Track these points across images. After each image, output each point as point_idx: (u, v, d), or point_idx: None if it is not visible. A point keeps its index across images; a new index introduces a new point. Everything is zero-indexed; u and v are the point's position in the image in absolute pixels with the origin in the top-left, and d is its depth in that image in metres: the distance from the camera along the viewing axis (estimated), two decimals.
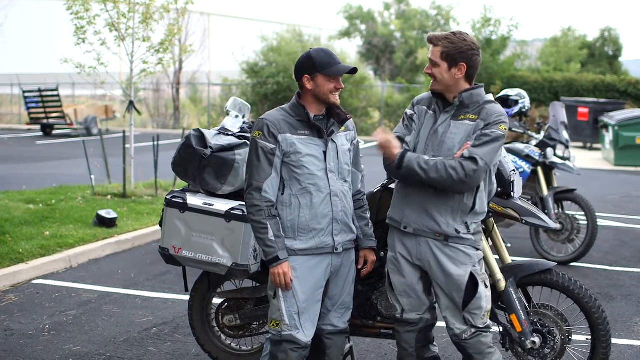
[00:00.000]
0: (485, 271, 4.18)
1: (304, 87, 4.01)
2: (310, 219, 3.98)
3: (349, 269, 4.18)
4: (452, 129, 3.96)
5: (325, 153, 4.02)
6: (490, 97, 4.05)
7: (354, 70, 3.98)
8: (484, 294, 4.06)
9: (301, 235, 3.99)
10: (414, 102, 4.19)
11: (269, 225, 3.92)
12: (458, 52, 3.93)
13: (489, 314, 4.12)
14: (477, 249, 4.06)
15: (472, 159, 3.80)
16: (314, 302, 4.04)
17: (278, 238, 3.94)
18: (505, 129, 3.90)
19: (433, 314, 4.25)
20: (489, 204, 4.19)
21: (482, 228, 4.21)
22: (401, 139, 4.06)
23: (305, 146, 3.97)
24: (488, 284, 4.13)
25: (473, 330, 4.05)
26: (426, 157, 3.89)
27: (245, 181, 4.04)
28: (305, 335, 4.01)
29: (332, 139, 4.06)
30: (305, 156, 3.97)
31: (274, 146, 3.94)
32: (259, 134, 3.96)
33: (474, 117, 3.93)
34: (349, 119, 4.13)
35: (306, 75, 3.98)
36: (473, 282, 4.00)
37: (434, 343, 4.36)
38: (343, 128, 4.14)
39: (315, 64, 3.96)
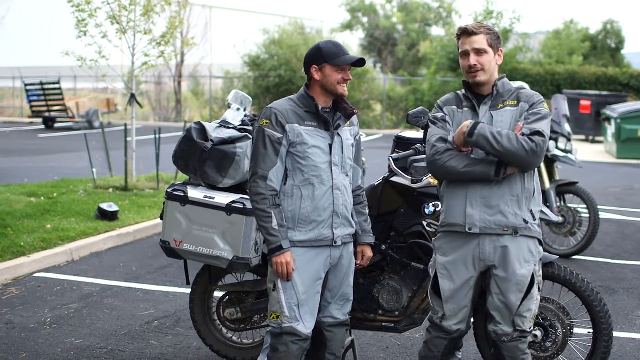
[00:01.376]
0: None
1: (312, 78, 4.02)
2: (311, 210, 3.97)
3: (348, 261, 4.17)
4: (497, 118, 3.88)
5: (331, 146, 4.02)
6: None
7: (361, 61, 3.98)
8: (536, 296, 3.95)
9: (301, 227, 3.98)
10: (441, 104, 4.05)
11: (273, 214, 3.91)
12: (497, 37, 3.94)
13: (535, 317, 4.02)
14: (541, 244, 3.97)
15: (538, 132, 3.74)
16: (314, 294, 4.04)
17: (281, 227, 3.93)
18: (547, 107, 3.88)
19: (468, 324, 4.13)
20: None
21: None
22: (444, 139, 3.91)
23: (312, 137, 3.97)
24: (542, 287, 4.03)
25: (516, 334, 3.94)
26: (498, 129, 3.79)
27: (250, 169, 4.03)
28: (306, 327, 4.00)
29: (338, 133, 4.06)
30: (311, 147, 3.96)
31: (281, 135, 3.94)
32: (266, 123, 3.95)
33: (513, 102, 3.89)
34: (355, 113, 4.13)
35: (314, 66, 4.00)
36: (530, 283, 3.89)
37: (460, 350, 4.26)
38: (348, 123, 4.14)
39: (324, 54, 3.98)
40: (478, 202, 3.86)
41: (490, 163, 3.79)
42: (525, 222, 3.86)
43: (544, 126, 3.79)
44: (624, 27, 35.13)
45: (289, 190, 3.99)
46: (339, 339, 4.23)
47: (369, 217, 4.30)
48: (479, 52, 3.88)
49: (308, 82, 4.07)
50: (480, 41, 3.88)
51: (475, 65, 3.88)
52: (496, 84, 3.93)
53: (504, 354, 4.03)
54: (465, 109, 3.98)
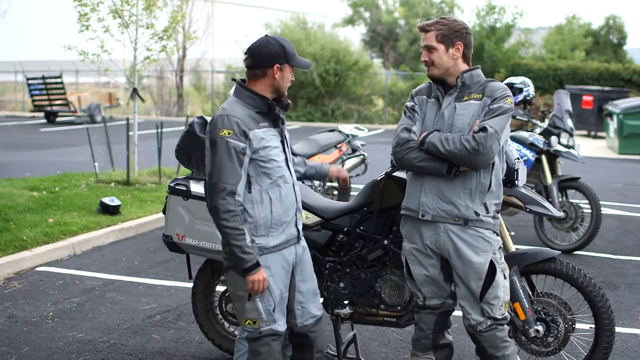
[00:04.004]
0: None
1: (264, 76, 3.82)
2: (282, 212, 3.86)
3: (307, 255, 4.12)
4: (459, 111, 3.96)
5: (282, 142, 3.92)
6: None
7: (306, 65, 3.92)
8: (502, 283, 4.03)
9: (273, 232, 3.85)
10: (413, 93, 4.17)
11: (245, 231, 3.70)
12: (453, 31, 3.98)
13: (507, 305, 4.10)
14: (497, 234, 4.06)
15: (482, 128, 3.80)
16: (285, 292, 3.96)
17: (254, 243, 3.76)
18: (512, 102, 3.92)
19: (454, 300, 4.26)
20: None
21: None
22: (408, 130, 4.04)
23: (270, 138, 3.82)
24: (507, 274, 4.11)
25: (489, 322, 4.03)
26: (446, 134, 3.91)
27: (210, 183, 3.72)
28: (280, 325, 3.93)
29: (283, 127, 3.95)
30: (272, 149, 3.82)
31: (244, 145, 3.71)
32: (229, 133, 3.67)
33: (478, 96, 3.96)
34: (289, 104, 3.98)
35: (277, 65, 3.80)
36: (492, 270, 3.99)
37: (449, 331, 4.37)
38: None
39: (288, 54, 3.81)
40: (432, 192, 4.01)
41: (444, 161, 3.91)
42: (477, 214, 3.97)
43: (495, 122, 3.82)
44: (626, 22, 35.14)
45: (257, 197, 3.80)
46: (322, 335, 4.19)
47: (305, 159, 4.45)
48: (428, 48, 4.02)
49: (250, 79, 3.87)
50: (429, 38, 4.01)
51: (426, 61, 4.03)
52: (461, 75, 3.99)
53: (484, 346, 4.09)
54: (433, 99, 4.08)
